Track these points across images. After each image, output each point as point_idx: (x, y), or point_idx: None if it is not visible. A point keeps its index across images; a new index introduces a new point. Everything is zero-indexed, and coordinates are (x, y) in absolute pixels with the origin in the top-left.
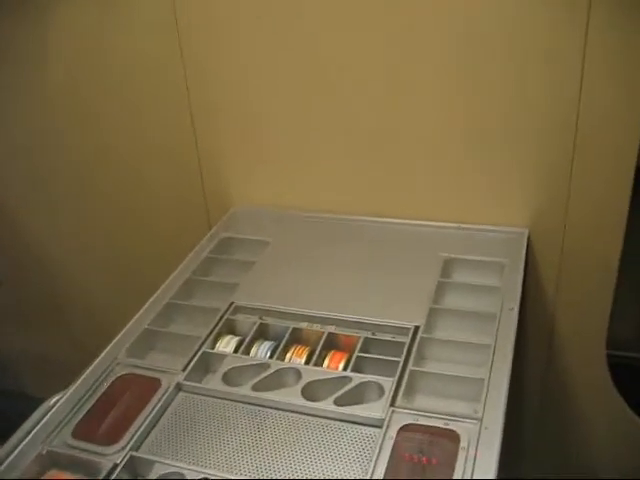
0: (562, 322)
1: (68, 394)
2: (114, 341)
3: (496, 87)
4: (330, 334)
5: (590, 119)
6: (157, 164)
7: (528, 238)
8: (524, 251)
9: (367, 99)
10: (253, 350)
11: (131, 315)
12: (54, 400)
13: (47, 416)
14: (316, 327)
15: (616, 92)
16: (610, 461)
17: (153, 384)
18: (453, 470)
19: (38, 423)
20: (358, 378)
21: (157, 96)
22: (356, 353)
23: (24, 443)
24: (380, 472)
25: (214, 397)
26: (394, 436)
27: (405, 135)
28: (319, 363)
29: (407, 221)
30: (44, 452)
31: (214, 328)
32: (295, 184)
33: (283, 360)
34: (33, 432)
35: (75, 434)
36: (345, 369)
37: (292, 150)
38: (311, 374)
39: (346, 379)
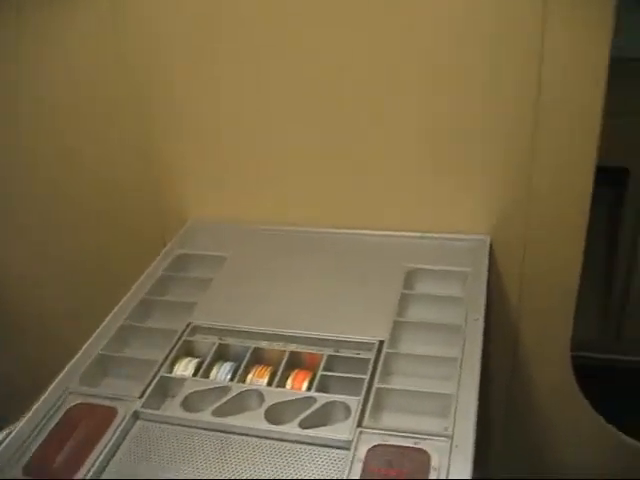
0: (526, 329)
1: (18, 428)
2: (65, 369)
3: (459, 95)
4: (292, 353)
5: (549, 123)
6: (113, 175)
7: (490, 246)
8: (487, 259)
9: (326, 110)
10: (213, 372)
11: (87, 336)
12: (2, 435)
13: None
14: (277, 346)
15: (575, 94)
16: (577, 462)
17: (109, 413)
18: None
19: None
20: (323, 398)
21: (112, 104)
22: (320, 372)
23: None
24: None
25: (174, 424)
26: (363, 458)
27: (365, 146)
28: (282, 384)
29: (369, 232)
30: None
31: (171, 351)
32: (253, 197)
33: (244, 382)
34: None
35: (27, 471)
36: (309, 389)
37: (249, 163)
38: (274, 396)
39: (311, 400)
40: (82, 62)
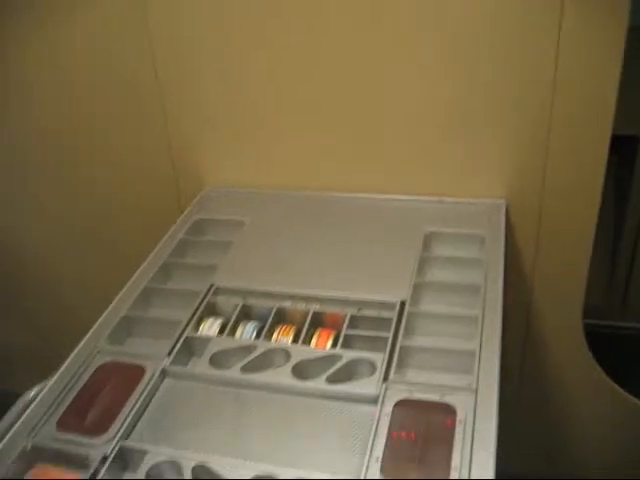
0: (540, 292)
1: (49, 385)
2: (93, 329)
3: (475, 61)
4: (315, 312)
5: (566, 90)
6: (127, 143)
7: (507, 210)
8: (503, 222)
9: (343, 73)
10: (238, 332)
11: (100, 302)
12: (34, 393)
13: (29, 409)
14: (300, 306)
15: (593, 62)
16: (590, 429)
17: (137, 371)
18: (452, 445)
19: (19, 417)
20: (348, 355)
21: (125, 70)
22: (344, 330)
23: (6, 438)
24: (379, 450)
25: (202, 382)
26: (390, 412)
27: (383, 109)
28: (306, 342)
29: (386, 196)
30: (29, 447)
31: (195, 311)
32: (269, 162)
33: (270, 340)
34: (15, 426)
35: (60, 426)
36: (334, 347)
37: (264, 129)
38: (300, 353)
39: (336, 357)
40: (104, 34)
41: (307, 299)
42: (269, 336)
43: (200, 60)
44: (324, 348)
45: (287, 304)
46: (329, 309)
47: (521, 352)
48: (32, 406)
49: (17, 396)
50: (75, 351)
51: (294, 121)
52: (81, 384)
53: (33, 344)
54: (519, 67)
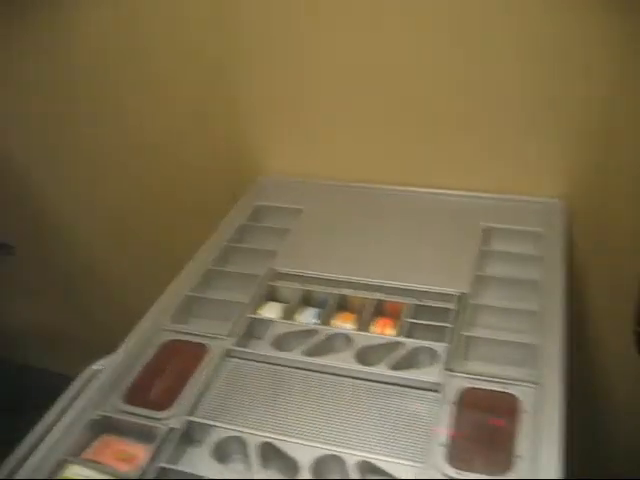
0: (595, 292)
1: (115, 359)
2: (155, 307)
3: (538, 56)
4: (377, 300)
5: (630, 86)
6: (183, 129)
7: (567, 208)
8: (562, 221)
9: (410, 72)
10: (298, 316)
11: (151, 288)
12: (99, 364)
13: (96, 381)
14: (361, 293)
15: None
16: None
17: (200, 350)
18: (517, 434)
19: (84, 388)
20: (411, 343)
21: (198, 54)
22: (405, 319)
23: (73, 409)
24: (442, 436)
25: (265, 362)
26: (453, 400)
27: (442, 103)
28: (367, 329)
29: (444, 191)
30: (96, 417)
31: (255, 294)
32: (329, 153)
33: (330, 326)
34: (82, 398)
35: (127, 399)
36: (395, 335)
37: (327, 118)
38: (362, 339)
39: (398, 344)
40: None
41: (367, 287)
42: (329, 322)
43: (268, 46)
44: (385, 335)
45: (348, 291)
46: (390, 298)
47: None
48: (99, 378)
49: (69, 379)
50: (139, 327)
51: (357, 114)
52: (146, 360)
53: (77, 327)
54: (583, 66)
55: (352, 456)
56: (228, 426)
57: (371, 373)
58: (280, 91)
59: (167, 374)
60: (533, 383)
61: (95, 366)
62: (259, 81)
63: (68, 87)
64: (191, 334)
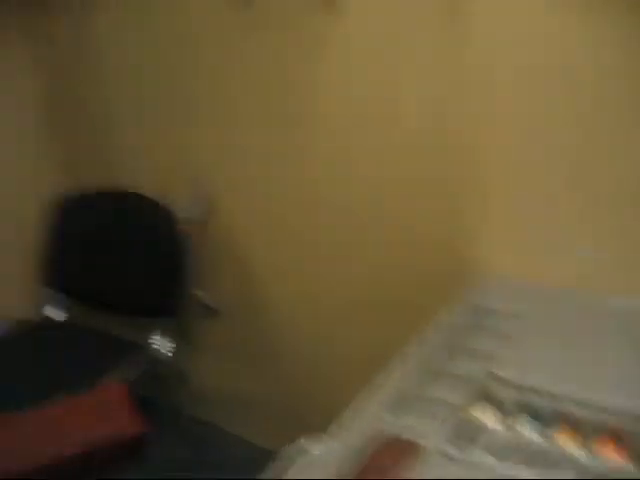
0: None
1: (330, 448)
2: (371, 400)
3: None
4: (609, 424)
5: None
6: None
7: None
8: None
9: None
10: (515, 425)
11: (350, 371)
12: (309, 446)
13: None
14: (586, 413)
15: None
16: None
17: (412, 448)
18: None
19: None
20: None
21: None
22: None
23: None
24: None
25: (479, 469)
26: None
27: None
28: (591, 451)
29: None
30: None
31: (471, 396)
32: (548, 256)
33: (551, 442)
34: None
35: None
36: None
37: (546, 222)
38: (591, 463)
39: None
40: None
41: (591, 407)
42: (551, 438)
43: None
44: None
45: (572, 408)
46: (616, 420)
47: None
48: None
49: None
50: (354, 416)
51: (570, 216)
52: (362, 453)
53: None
54: None
55: None
56: None
57: None
58: (502, 195)
59: (375, 468)
60: None
61: (305, 444)
62: (477, 193)
63: None
64: (405, 430)
